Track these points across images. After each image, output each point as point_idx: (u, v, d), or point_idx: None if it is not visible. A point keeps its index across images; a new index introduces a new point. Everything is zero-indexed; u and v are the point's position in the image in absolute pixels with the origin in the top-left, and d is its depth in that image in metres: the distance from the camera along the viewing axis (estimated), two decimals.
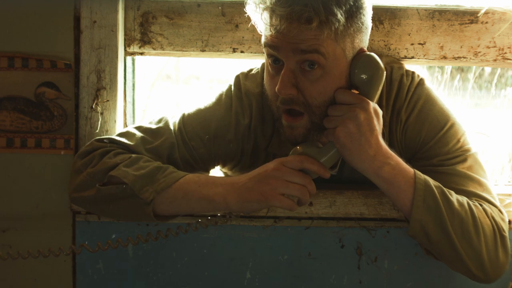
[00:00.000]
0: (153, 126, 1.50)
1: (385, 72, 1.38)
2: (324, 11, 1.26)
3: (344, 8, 1.28)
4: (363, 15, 1.33)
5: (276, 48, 1.32)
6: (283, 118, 1.38)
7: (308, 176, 1.34)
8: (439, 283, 1.61)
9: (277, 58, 1.35)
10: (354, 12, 1.31)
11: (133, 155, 1.42)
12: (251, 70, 1.56)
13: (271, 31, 1.32)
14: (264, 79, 1.42)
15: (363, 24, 1.34)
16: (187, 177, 1.39)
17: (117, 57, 1.60)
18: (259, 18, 1.34)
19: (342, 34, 1.31)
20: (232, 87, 1.53)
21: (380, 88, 1.37)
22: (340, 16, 1.28)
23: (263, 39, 1.37)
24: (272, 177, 1.32)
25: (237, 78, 1.54)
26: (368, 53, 1.38)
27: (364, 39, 1.37)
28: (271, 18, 1.31)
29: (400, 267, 1.61)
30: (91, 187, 1.41)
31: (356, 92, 1.37)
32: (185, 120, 1.50)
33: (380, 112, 1.36)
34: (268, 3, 1.30)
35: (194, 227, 1.41)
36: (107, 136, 1.49)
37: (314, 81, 1.33)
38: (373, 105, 1.34)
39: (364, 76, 1.35)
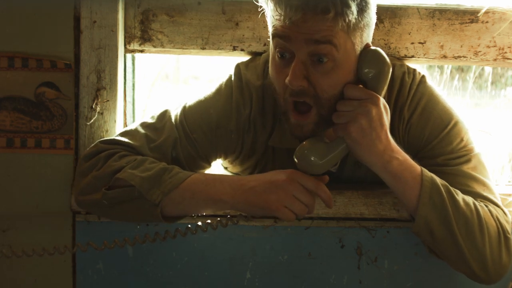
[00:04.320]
0: (156, 122, 1.50)
1: (391, 67, 1.38)
2: (340, 3, 1.26)
3: (356, 2, 1.29)
4: (371, 10, 1.34)
5: (288, 39, 1.31)
6: (292, 116, 1.37)
7: (314, 198, 1.34)
8: (439, 283, 1.62)
9: (285, 52, 1.33)
10: (364, 6, 1.31)
11: (138, 157, 1.42)
12: (251, 59, 1.56)
13: (284, 21, 1.30)
14: (270, 73, 1.40)
15: (371, 19, 1.35)
16: (194, 176, 1.38)
17: (117, 57, 1.60)
18: (272, 8, 1.32)
19: (354, 27, 1.31)
20: (233, 76, 1.53)
21: (387, 83, 1.38)
22: (354, 8, 1.28)
23: (271, 31, 1.35)
24: (282, 188, 1.32)
25: (237, 67, 1.54)
26: (374, 48, 1.38)
27: (370, 34, 1.38)
28: (285, 8, 1.29)
29: (400, 267, 1.61)
30: (97, 190, 1.40)
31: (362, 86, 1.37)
32: (186, 113, 1.50)
33: (387, 107, 1.37)
34: None
35: (194, 229, 1.41)
36: (111, 137, 1.49)
37: (325, 73, 1.32)
38: (382, 100, 1.34)
39: (372, 71, 1.35)
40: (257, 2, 1.37)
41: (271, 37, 1.36)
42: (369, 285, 1.62)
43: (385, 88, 1.38)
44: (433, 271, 1.61)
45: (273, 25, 1.34)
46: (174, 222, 1.42)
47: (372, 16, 1.36)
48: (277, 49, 1.35)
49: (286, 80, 1.32)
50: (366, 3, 1.32)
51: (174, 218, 1.41)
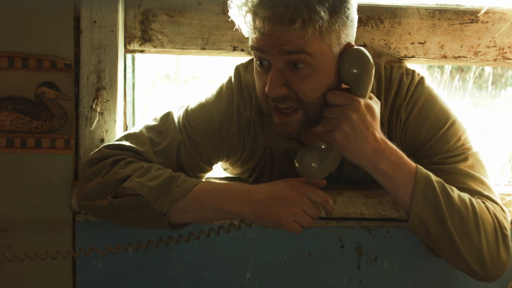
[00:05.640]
0: (160, 125, 1.50)
1: (374, 66, 1.37)
2: (306, 10, 1.26)
3: (327, 5, 1.28)
4: (348, 8, 1.33)
5: (263, 51, 1.33)
6: (275, 116, 1.38)
7: (320, 210, 1.37)
8: (439, 283, 1.62)
9: (264, 59, 1.35)
10: (337, 7, 1.30)
11: (145, 165, 1.42)
12: (250, 61, 1.56)
13: (255, 33, 1.32)
14: (255, 79, 1.42)
15: (347, 18, 1.34)
16: (200, 185, 1.39)
17: (117, 57, 1.60)
18: (243, 21, 1.34)
19: (327, 30, 1.30)
20: (232, 78, 1.53)
21: (371, 81, 1.36)
22: (323, 13, 1.27)
23: (250, 42, 1.37)
24: (293, 204, 1.34)
25: (237, 69, 1.54)
26: (356, 47, 1.37)
27: (350, 33, 1.37)
28: (254, 21, 1.31)
29: (400, 267, 1.61)
30: (102, 197, 1.40)
31: (347, 87, 1.37)
32: (189, 116, 1.50)
33: (374, 104, 1.36)
34: (250, 6, 1.29)
35: (197, 235, 1.41)
36: (116, 142, 1.48)
37: (303, 79, 1.33)
38: (364, 102, 1.33)
39: (353, 71, 1.34)
40: (229, 16, 1.37)
41: (250, 48, 1.37)
42: (369, 285, 1.62)
43: (370, 86, 1.37)
44: (433, 271, 1.61)
45: (250, 37, 1.36)
46: (181, 229, 1.42)
47: (349, 15, 1.34)
48: (256, 58, 1.37)
49: (266, 89, 1.33)
50: (341, 3, 1.31)
51: (181, 225, 1.42)
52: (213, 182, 1.46)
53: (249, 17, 1.31)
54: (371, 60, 1.36)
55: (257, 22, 1.30)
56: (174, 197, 1.36)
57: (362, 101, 1.33)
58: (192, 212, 1.38)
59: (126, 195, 1.39)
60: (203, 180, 1.47)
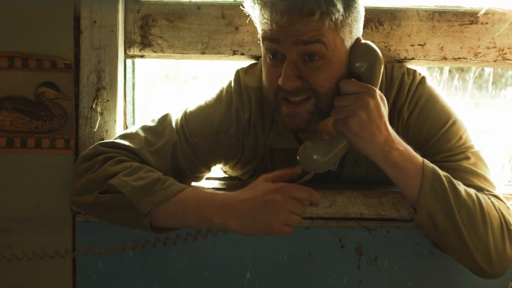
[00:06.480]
0: (157, 126, 1.50)
1: (383, 60, 1.38)
2: (325, 2, 1.27)
3: None
4: (358, 3, 1.35)
5: (277, 41, 1.33)
6: (284, 105, 1.38)
7: (306, 206, 1.34)
8: (439, 283, 1.61)
9: (277, 52, 1.35)
10: (350, 1, 1.32)
11: (134, 164, 1.41)
12: (251, 66, 1.56)
13: (271, 25, 1.32)
14: (263, 73, 1.42)
15: (358, 13, 1.36)
16: (187, 191, 1.37)
17: (117, 57, 1.60)
18: (258, 14, 1.34)
19: (342, 23, 1.32)
20: (232, 83, 1.54)
21: (381, 75, 1.38)
22: (340, 6, 1.29)
23: (261, 33, 1.36)
24: (280, 209, 1.30)
25: (237, 74, 1.55)
26: (365, 41, 1.39)
27: (360, 28, 1.39)
28: (271, 12, 1.30)
29: (400, 267, 1.61)
30: (90, 193, 1.40)
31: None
32: (187, 118, 1.50)
33: (384, 98, 1.37)
34: None
35: (194, 236, 1.41)
36: (110, 140, 1.48)
37: (317, 69, 1.34)
38: (378, 91, 1.35)
39: (364, 65, 1.36)
40: (243, 7, 1.38)
41: (261, 39, 1.37)
42: (369, 285, 1.62)
43: (379, 80, 1.38)
44: (433, 271, 1.61)
45: (262, 29, 1.36)
46: (164, 233, 1.41)
47: (359, 10, 1.37)
48: (268, 51, 1.36)
49: (279, 82, 1.33)
50: None
51: (163, 229, 1.40)
52: (200, 190, 1.42)
53: (266, 9, 1.31)
54: (380, 53, 1.38)
55: (274, 14, 1.30)
56: (157, 199, 1.35)
57: (377, 90, 1.34)
58: (175, 217, 1.36)
59: (112, 193, 1.38)
60: (192, 186, 1.44)
